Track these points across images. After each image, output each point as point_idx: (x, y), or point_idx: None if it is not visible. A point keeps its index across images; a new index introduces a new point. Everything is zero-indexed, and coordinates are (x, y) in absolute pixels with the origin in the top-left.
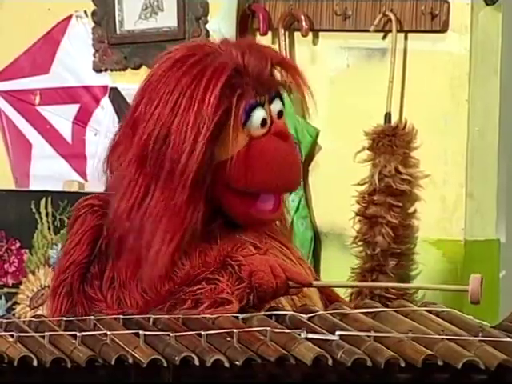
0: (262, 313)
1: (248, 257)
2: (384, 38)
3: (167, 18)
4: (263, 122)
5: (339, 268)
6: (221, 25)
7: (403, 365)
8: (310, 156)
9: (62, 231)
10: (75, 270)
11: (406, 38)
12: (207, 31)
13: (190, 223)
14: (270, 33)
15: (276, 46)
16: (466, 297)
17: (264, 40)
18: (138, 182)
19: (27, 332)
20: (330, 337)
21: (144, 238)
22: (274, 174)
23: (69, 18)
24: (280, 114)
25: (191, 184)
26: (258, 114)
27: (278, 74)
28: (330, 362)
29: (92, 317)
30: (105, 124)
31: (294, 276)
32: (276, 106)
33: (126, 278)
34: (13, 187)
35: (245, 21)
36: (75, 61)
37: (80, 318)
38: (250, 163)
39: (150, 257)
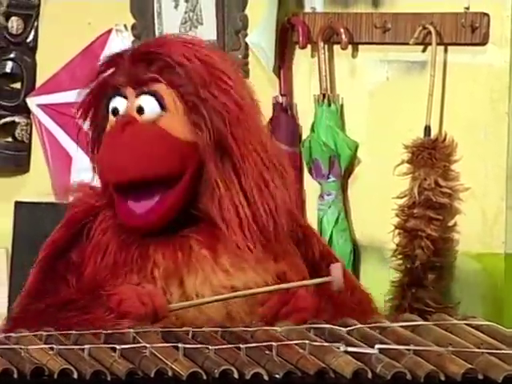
0: (301, 326)
1: (117, 286)
2: (424, 50)
3: (207, 32)
4: (114, 112)
5: (378, 281)
6: (260, 38)
7: (443, 378)
8: (350, 169)
9: None
10: (52, 247)
11: (445, 50)
12: (246, 44)
13: None
14: (309, 46)
15: (315, 60)
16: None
17: (303, 53)
18: None
19: (67, 345)
20: (369, 350)
21: None
22: (105, 163)
23: (109, 31)
24: (139, 110)
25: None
26: (112, 104)
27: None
28: (370, 375)
29: (131, 330)
30: None
31: (162, 302)
32: (140, 101)
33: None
34: (52, 200)
35: (284, 34)
36: None
37: (119, 331)
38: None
39: None
